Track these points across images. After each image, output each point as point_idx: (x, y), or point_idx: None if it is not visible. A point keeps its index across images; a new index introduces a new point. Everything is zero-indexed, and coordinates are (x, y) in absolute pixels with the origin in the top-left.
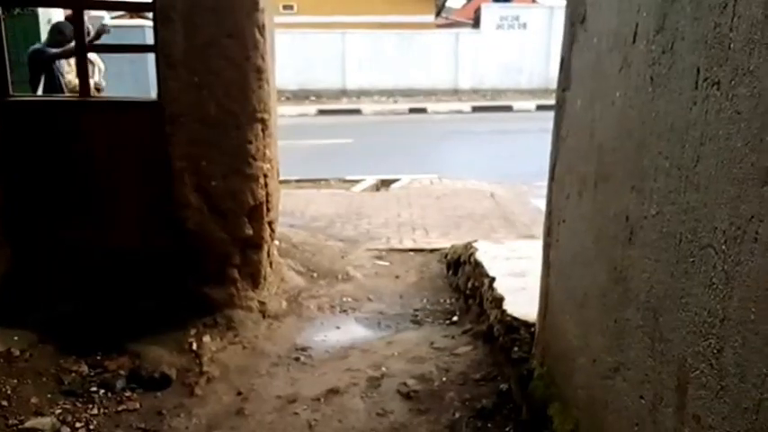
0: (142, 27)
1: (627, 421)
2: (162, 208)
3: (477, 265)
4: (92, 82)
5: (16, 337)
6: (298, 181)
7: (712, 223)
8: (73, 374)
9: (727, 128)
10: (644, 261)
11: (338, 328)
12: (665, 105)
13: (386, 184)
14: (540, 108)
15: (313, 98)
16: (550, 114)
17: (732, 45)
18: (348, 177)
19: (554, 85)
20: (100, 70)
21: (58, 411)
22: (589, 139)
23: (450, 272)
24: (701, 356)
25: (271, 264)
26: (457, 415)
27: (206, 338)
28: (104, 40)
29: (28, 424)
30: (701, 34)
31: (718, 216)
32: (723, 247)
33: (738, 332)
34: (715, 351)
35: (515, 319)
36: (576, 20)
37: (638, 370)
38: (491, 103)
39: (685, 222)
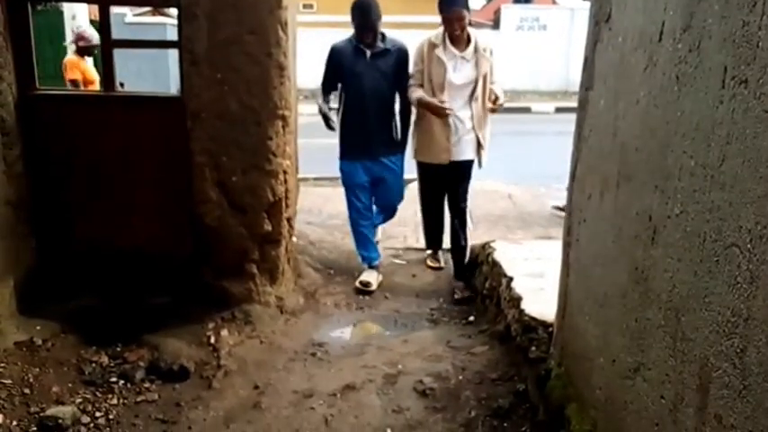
0: (164, 24)
1: (647, 422)
2: (182, 203)
3: (495, 264)
4: None
5: (39, 327)
6: (316, 179)
7: (737, 222)
8: (93, 365)
9: (755, 126)
10: (667, 260)
11: (354, 325)
12: (690, 104)
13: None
14: (558, 110)
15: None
16: (569, 117)
17: (761, 43)
18: None
19: (573, 87)
20: None
21: (79, 400)
22: (612, 138)
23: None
24: (724, 356)
25: (288, 260)
26: (473, 414)
27: (224, 332)
28: (127, 36)
29: (49, 412)
30: (728, 32)
31: (743, 215)
32: (748, 245)
33: (762, 331)
34: (738, 350)
35: (533, 318)
36: (600, 19)
37: (658, 370)
38: (509, 105)
39: (710, 221)
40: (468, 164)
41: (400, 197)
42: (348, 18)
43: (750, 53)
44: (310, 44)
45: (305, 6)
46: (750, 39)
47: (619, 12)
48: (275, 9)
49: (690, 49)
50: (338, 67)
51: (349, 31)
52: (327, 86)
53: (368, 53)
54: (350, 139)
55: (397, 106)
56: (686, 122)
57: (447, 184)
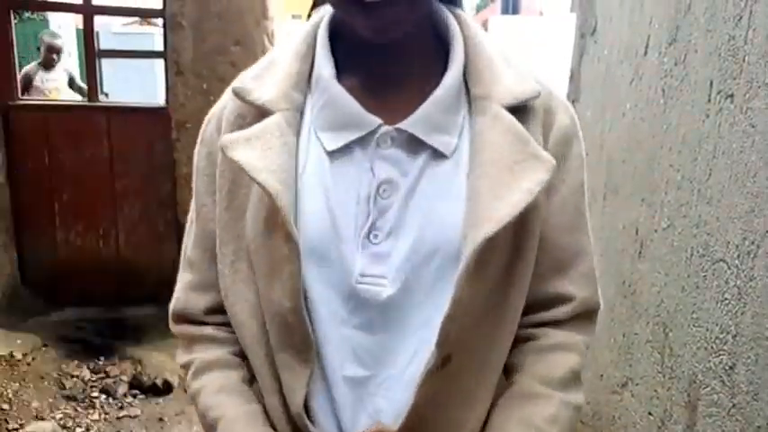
0: (152, 34)
1: None
2: (166, 213)
3: None
4: None
5: (19, 341)
6: None
7: (725, 237)
8: (74, 379)
9: (741, 141)
10: (654, 275)
11: None
12: (676, 118)
13: None
14: None
15: None
16: None
17: (747, 58)
18: None
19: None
20: None
21: (59, 416)
22: (599, 150)
23: None
24: (713, 373)
25: None
26: None
27: None
28: (114, 45)
29: (29, 428)
30: (714, 47)
31: (731, 230)
32: (736, 261)
33: (751, 348)
34: (727, 368)
35: None
36: (586, 31)
37: (646, 385)
38: None
39: (697, 236)
40: None
41: None
42: None
43: (736, 67)
44: None
45: (294, 17)
46: (736, 53)
47: (604, 25)
48: (261, 20)
49: (675, 62)
50: None
51: None
52: None
53: None
54: None
55: None
56: (673, 136)
57: None
